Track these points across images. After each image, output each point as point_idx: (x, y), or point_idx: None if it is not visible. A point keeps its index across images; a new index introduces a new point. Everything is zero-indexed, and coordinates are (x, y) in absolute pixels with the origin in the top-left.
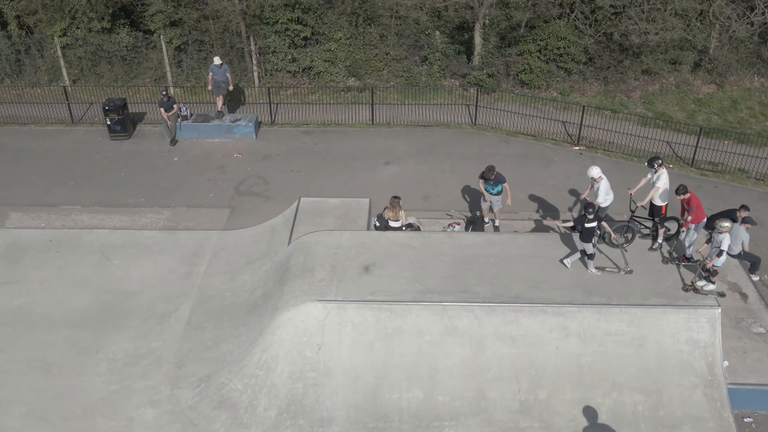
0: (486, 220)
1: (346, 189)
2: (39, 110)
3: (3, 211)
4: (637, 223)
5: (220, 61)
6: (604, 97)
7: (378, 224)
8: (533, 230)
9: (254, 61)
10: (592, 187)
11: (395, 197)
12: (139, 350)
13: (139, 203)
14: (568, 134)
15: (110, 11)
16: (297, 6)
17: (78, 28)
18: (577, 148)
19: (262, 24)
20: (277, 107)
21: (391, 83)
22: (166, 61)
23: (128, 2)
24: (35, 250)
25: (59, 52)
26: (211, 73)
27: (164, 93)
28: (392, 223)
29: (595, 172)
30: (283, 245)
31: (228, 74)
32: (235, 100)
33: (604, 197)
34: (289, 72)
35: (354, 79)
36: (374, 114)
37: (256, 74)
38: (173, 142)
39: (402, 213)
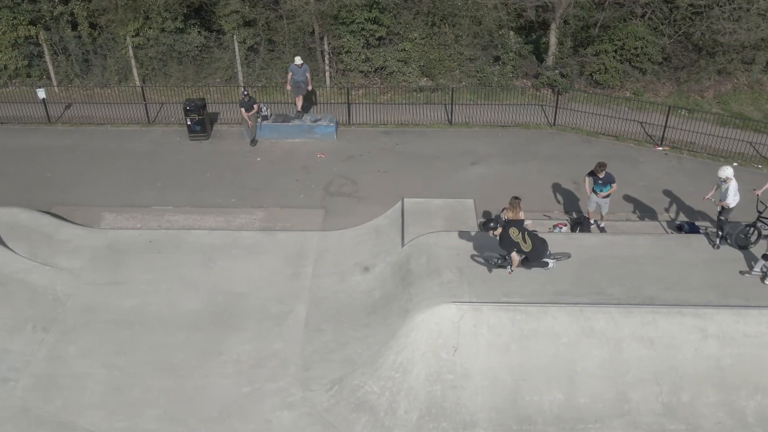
0: (591, 221)
1: (435, 189)
2: (113, 110)
3: (96, 212)
4: (763, 224)
5: (301, 61)
6: (677, 96)
7: (493, 225)
8: (637, 233)
9: (326, 61)
10: (719, 187)
11: (515, 198)
12: (261, 352)
13: (230, 204)
14: (648, 134)
15: (184, 11)
16: (374, 6)
17: (150, 28)
18: (660, 148)
19: (337, 24)
20: (349, 107)
21: (463, 83)
22: (238, 61)
23: (203, 2)
24: (136, 251)
25: (131, 53)
26: (290, 73)
27: (245, 93)
28: None
29: (728, 172)
30: (395, 246)
31: (307, 74)
32: (307, 100)
33: (733, 198)
34: (360, 72)
35: (426, 79)
36: (452, 114)
37: (327, 74)
38: (253, 142)
39: (522, 213)
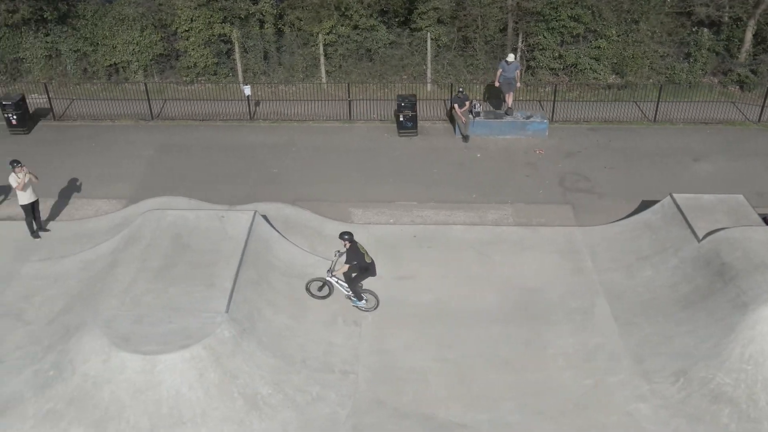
0: None
1: (671, 185)
2: (305, 107)
3: (342, 208)
4: None
5: (513, 58)
6: None
7: None
8: None
9: (517, 59)
10: None
11: None
12: (585, 346)
13: (471, 199)
14: None
15: (380, 8)
16: (578, 3)
17: (343, 25)
18: None
19: (536, 21)
20: (554, 105)
21: (651, 80)
22: (429, 58)
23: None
24: (405, 246)
25: (321, 50)
26: (500, 70)
27: (461, 90)
28: None
29: None
30: (685, 241)
31: (517, 71)
32: (497, 98)
33: None
34: (550, 69)
35: (615, 76)
36: (656, 111)
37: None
38: (466, 138)
39: None
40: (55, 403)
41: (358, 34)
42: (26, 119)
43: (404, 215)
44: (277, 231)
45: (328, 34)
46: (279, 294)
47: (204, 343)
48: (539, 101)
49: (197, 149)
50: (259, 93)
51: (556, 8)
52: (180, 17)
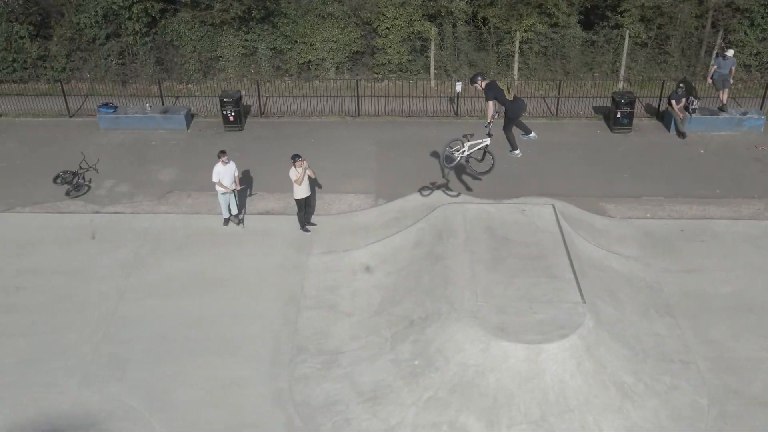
0: None
1: None
2: None
3: (593, 203)
4: None
5: (732, 54)
6: None
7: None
8: None
9: (713, 55)
10: None
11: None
12: None
13: (715, 194)
14: None
15: (585, 6)
16: None
17: (541, 23)
18: None
19: (741, 17)
20: (763, 100)
21: None
22: (624, 55)
23: None
24: (674, 239)
25: (516, 47)
26: (714, 66)
27: (681, 86)
28: None
29: None
30: None
31: (733, 67)
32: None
33: None
34: (744, 66)
35: None
36: None
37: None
38: (682, 135)
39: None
40: (434, 392)
41: (555, 32)
42: (242, 116)
43: (658, 210)
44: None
45: (525, 31)
46: (597, 285)
47: (578, 333)
48: (764, 97)
49: (412, 145)
50: (448, 90)
51: (765, 5)
52: (384, 15)
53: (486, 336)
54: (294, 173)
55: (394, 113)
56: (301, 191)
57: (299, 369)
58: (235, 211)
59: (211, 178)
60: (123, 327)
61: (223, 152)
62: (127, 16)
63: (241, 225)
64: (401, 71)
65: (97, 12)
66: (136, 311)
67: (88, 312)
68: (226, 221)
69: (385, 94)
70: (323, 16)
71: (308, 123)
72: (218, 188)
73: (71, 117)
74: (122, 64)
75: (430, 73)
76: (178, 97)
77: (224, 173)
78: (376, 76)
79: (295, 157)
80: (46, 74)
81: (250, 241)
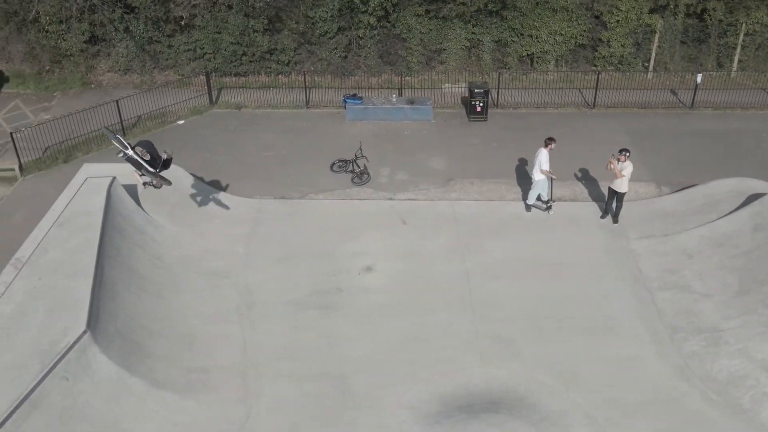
0: None
1: None
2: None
3: None
4: None
5: None
6: None
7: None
8: None
9: None
10: None
11: None
12: None
13: None
14: None
15: None
16: None
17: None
18: None
19: None
20: None
21: None
22: None
23: None
24: None
25: (740, 39)
26: None
27: None
28: None
29: None
30: None
31: None
32: None
33: None
34: None
35: None
36: None
37: None
38: None
39: None
40: None
41: None
42: (487, 107)
43: None
44: None
45: (753, 24)
46: None
47: None
48: None
49: (662, 134)
50: (678, 82)
51: None
52: (618, 8)
53: None
54: (618, 166)
55: (625, 104)
56: (624, 186)
57: (685, 346)
58: (545, 198)
59: (538, 166)
60: (488, 307)
61: (551, 139)
62: (363, 10)
63: (549, 211)
64: (620, 63)
65: (333, 6)
66: (489, 292)
67: (446, 293)
68: (528, 207)
69: (603, 86)
70: (555, 9)
71: (546, 114)
72: (540, 175)
73: (308, 108)
74: (345, 57)
75: (649, 66)
76: (398, 89)
77: (545, 160)
78: (594, 68)
79: (623, 152)
80: (270, 67)
81: (559, 227)
